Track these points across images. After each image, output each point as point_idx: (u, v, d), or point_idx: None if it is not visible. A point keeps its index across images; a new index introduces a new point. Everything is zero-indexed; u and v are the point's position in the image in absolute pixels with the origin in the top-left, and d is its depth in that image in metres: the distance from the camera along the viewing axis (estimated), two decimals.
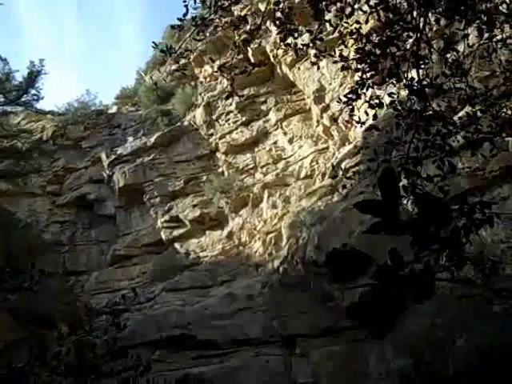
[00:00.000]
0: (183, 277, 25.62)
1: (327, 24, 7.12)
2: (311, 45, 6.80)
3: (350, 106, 6.92)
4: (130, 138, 31.60)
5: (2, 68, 30.51)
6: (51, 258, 27.46)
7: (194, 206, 27.87)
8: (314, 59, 7.01)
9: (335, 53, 6.79)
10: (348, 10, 6.52)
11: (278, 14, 6.82)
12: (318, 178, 24.42)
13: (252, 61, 25.67)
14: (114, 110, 36.18)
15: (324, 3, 6.43)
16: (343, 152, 23.19)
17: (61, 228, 31.58)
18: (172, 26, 8.68)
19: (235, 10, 22.47)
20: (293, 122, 26.95)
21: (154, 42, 7.74)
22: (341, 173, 22.62)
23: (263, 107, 27.95)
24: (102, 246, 30.42)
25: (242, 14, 7.48)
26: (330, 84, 24.15)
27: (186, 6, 6.86)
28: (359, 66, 6.57)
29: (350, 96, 6.81)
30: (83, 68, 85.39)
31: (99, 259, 29.83)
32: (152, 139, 30.38)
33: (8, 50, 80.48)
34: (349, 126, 23.73)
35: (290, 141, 26.79)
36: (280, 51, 25.16)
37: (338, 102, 7.37)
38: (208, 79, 30.40)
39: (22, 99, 31.33)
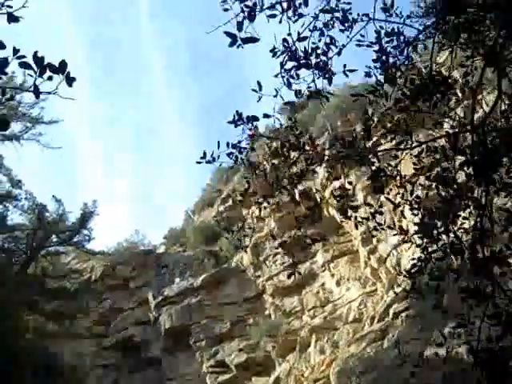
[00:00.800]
0: None
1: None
2: (371, 218, 6.89)
3: (413, 280, 6.85)
4: (177, 279, 31.76)
5: (56, 209, 31.60)
6: None
7: (240, 350, 27.37)
8: (374, 232, 7.07)
9: (394, 225, 6.84)
10: (408, 187, 6.64)
11: (338, 192, 7.00)
12: (366, 323, 23.83)
13: (298, 201, 26.15)
14: (161, 250, 36.76)
15: (384, 179, 6.58)
16: (392, 296, 22.79)
17: (105, 372, 31.20)
18: (234, 201, 8.93)
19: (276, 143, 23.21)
20: (340, 264, 26.82)
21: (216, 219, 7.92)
22: (390, 317, 22.41)
23: (310, 249, 27.99)
24: None
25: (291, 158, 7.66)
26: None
27: (247, 181, 7.08)
28: (420, 242, 6.58)
29: (412, 271, 6.77)
30: (133, 208, 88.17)
31: None
32: (199, 280, 30.48)
33: (63, 189, 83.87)
34: (397, 268, 23.50)
35: (338, 283, 26.53)
36: (327, 193, 25.53)
37: (398, 274, 7.34)
38: (255, 220, 30.81)
39: (74, 240, 32.13)
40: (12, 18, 4.06)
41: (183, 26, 76.79)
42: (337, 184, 23.97)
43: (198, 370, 28.32)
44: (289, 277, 7.50)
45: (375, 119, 6.89)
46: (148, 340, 31.31)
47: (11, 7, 4.05)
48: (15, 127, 26.64)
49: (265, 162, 8.39)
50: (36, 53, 3.96)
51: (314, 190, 26.55)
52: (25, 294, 27.05)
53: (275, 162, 7.56)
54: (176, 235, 37.78)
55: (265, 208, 7.64)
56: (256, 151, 7.45)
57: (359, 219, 7.15)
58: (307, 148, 7.18)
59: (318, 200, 26.79)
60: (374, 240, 24.26)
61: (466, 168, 6.15)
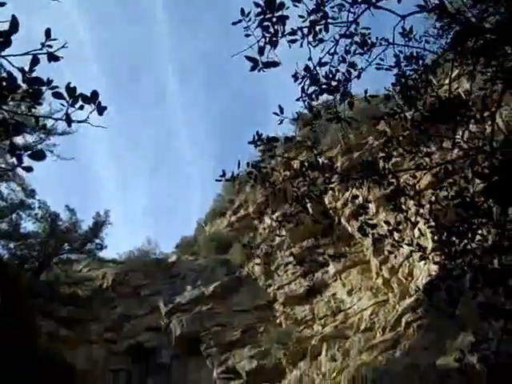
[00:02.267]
0: None
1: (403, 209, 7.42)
2: (388, 235, 7.06)
3: (430, 297, 7.01)
4: (189, 287, 31.97)
5: (69, 218, 31.98)
6: None
7: (251, 357, 27.44)
8: (391, 249, 7.25)
9: (412, 242, 7.01)
10: (427, 206, 6.82)
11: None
12: (378, 332, 23.92)
13: (310, 212, 26.37)
14: (173, 258, 36.93)
15: (402, 198, 6.76)
16: (404, 305, 22.88)
17: (116, 377, 31.33)
18: (249, 214, 9.13)
19: (295, 164, 23.44)
20: (352, 274, 26.94)
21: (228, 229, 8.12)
22: (402, 327, 22.49)
23: (321, 258, 28.11)
24: None
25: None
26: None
27: (266, 199, 7.27)
28: (438, 259, 6.74)
29: (429, 288, 6.93)
30: (145, 217, 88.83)
31: None
32: (210, 288, 30.73)
33: (77, 200, 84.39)
34: (409, 278, 23.59)
35: (349, 292, 26.64)
36: (339, 204, 25.70)
37: (416, 290, 7.50)
38: (267, 230, 31.00)
39: (86, 248, 32.47)
40: (52, 58, 4.28)
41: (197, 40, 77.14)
42: (348, 194, 24.14)
43: (208, 377, 28.40)
44: (308, 290, 7.65)
45: (393, 139, 7.05)
46: (159, 346, 31.41)
47: (51, 47, 4.26)
48: (29, 138, 26.94)
49: (279, 175, 8.58)
50: (69, 84, 4.17)
51: (327, 202, 26.74)
52: (37, 300, 27.33)
53: (293, 180, 7.75)
54: (188, 244, 38.00)
55: (284, 226, 7.84)
56: (276, 171, 7.66)
57: (377, 236, 7.33)
58: (324, 166, 7.35)
59: (331, 212, 26.98)
60: (386, 250, 24.37)
61: (485, 190, 6.30)
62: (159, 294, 33.18)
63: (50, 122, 27.43)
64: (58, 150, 29.00)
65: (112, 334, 32.95)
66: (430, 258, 7.03)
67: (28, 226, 33.46)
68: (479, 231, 6.60)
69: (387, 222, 7.23)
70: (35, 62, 4.08)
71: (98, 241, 32.10)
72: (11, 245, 29.71)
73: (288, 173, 7.82)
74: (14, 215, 29.59)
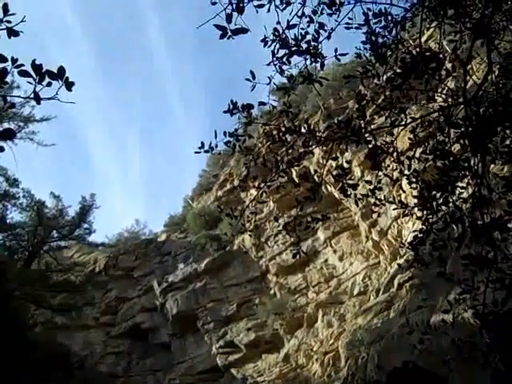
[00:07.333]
0: None
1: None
2: (370, 194, 7.03)
3: (415, 251, 7.00)
4: (181, 265, 32.03)
5: (55, 205, 31.81)
6: None
7: (249, 329, 27.70)
8: (374, 208, 7.21)
9: (394, 199, 6.98)
10: (406, 162, 6.77)
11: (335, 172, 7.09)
12: (372, 295, 24.11)
13: (297, 182, 26.31)
14: (163, 237, 36.93)
15: (381, 156, 6.71)
16: (395, 267, 23.00)
17: (116, 359, 31.54)
18: (234, 186, 9.07)
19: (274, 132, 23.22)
20: (342, 240, 27.03)
21: (216, 204, 8.06)
22: (395, 288, 22.66)
23: (311, 227, 28.08)
24: (158, 375, 30.17)
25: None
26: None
27: (247, 167, 7.20)
28: (420, 214, 6.72)
29: (414, 243, 6.91)
30: (133, 198, 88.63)
31: None
32: (202, 265, 30.79)
33: (71, 181, 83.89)
34: (398, 239, 23.68)
35: (341, 258, 26.77)
36: (324, 171, 25.65)
37: (401, 246, 7.50)
38: (254, 202, 30.90)
39: (75, 233, 32.33)
40: (12, 33, 4.17)
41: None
42: (334, 163, 23.98)
43: (207, 352, 28.66)
44: (294, 256, 7.63)
45: (368, 97, 6.98)
46: (156, 326, 31.72)
47: (10, 22, 4.15)
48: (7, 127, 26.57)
49: (261, 146, 8.51)
50: (34, 61, 4.06)
51: (312, 171, 26.70)
52: (29, 289, 27.26)
53: (272, 146, 7.68)
54: (176, 222, 37.99)
55: (265, 192, 7.78)
56: (253, 137, 7.54)
57: (359, 196, 7.29)
58: (303, 131, 7.29)
59: (316, 179, 26.89)
60: (374, 214, 24.43)
61: (461, 140, 6.28)
62: (152, 274, 33.34)
63: (27, 110, 27.11)
64: (41, 136, 28.66)
65: (108, 318, 33.17)
66: (413, 213, 7.00)
67: (14, 216, 33.17)
68: (459, 182, 6.59)
69: (368, 182, 7.19)
70: None
71: (86, 226, 31.93)
72: None
73: (269, 143, 7.69)
74: None
